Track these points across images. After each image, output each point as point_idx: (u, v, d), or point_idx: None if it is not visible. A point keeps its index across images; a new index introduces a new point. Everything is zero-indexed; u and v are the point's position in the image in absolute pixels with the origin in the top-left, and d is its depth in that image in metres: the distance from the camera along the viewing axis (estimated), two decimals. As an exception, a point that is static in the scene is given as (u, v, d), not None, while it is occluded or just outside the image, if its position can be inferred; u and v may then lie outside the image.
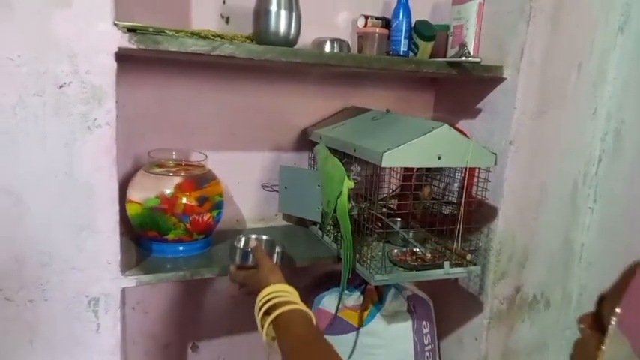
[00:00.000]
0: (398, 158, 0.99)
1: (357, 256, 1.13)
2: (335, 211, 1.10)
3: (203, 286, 1.41)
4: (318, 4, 1.37)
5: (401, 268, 1.12)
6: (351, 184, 1.10)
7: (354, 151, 1.10)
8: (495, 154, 1.09)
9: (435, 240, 1.22)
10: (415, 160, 1.02)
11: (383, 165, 0.98)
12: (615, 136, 1.44)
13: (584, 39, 1.36)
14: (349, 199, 1.11)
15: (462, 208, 1.07)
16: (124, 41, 0.90)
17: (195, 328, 1.44)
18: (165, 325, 1.39)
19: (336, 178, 1.09)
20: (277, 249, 1.11)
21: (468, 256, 1.11)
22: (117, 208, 0.97)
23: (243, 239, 1.14)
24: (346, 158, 1.18)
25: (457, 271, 1.11)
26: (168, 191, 1.11)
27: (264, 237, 1.15)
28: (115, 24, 0.89)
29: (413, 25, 1.37)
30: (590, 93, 1.41)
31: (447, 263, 1.10)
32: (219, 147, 1.34)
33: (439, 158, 1.02)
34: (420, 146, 0.99)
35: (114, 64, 0.90)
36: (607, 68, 1.42)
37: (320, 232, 1.31)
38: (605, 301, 0.47)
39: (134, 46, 0.91)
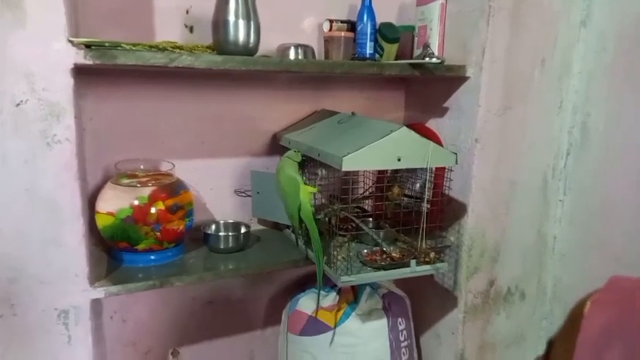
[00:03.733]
0: (357, 161, 1.01)
1: (326, 258, 1.15)
2: (300, 221, 1.13)
3: (180, 293, 1.43)
4: (285, 9, 1.38)
5: (370, 268, 1.14)
6: (315, 189, 1.12)
7: (318, 155, 1.12)
8: (456, 153, 1.11)
9: (403, 239, 1.24)
10: (375, 163, 1.04)
11: (343, 169, 1.00)
12: (582, 129, 1.46)
13: (547, 35, 1.38)
14: (313, 204, 1.13)
15: (424, 208, 1.09)
16: (80, 57, 0.91)
17: (175, 334, 1.46)
18: (144, 332, 1.41)
19: (292, 193, 1.13)
20: (243, 229, 1.33)
21: (432, 254, 1.12)
22: (81, 221, 0.98)
23: (213, 226, 1.36)
24: (312, 162, 1.20)
25: (424, 269, 1.13)
26: (136, 202, 1.13)
27: (230, 221, 1.38)
28: (70, 41, 0.91)
29: (377, 27, 1.38)
30: (556, 87, 1.43)
31: (413, 262, 1.12)
32: (190, 155, 1.36)
33: (399, 160, 1.03)
34: (378, 149, 1.01)
35: (70, 81, 0.92)
36: (571, 62, 1.44)
37: (293, 236, 1.33)
38: (556, 348, 0.48)
39: (90, 62, 0.92)
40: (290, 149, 1.28)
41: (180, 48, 1.05)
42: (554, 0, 1.36)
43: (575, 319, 0.47)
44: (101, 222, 1.14)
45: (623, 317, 0.45)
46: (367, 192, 1.42)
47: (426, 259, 1.16)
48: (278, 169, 1.17)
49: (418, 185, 1.30)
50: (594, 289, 1.50)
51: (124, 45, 0.97)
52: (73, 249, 0.98)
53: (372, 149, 1.01)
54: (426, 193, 1.09)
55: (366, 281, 1.13)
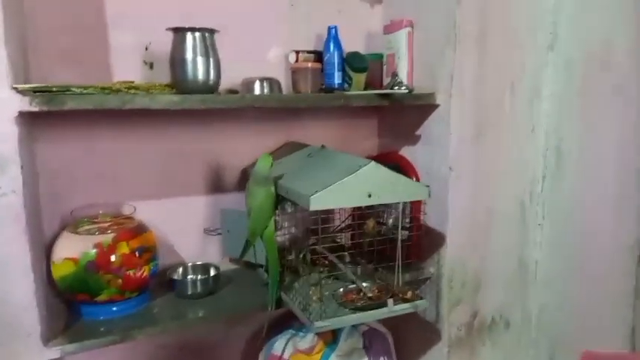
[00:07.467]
0: (326, 200, 0.96)
1: (297, 302, 1.09)
2: (261, 238, 1.12)
3: (150, 341, 1.35)
4: (251, 41, 1.35)
5: (346, 310, 1.08)
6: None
7: (287, 192, 1.08)
8: (428, 186, 1.07)
9: (378, 277, 1.19)
10: (344, 201, 1.00)
11: (311, 208, 0.95)
12: (556, 152, 1.44)
13: (514, 59, 1.37)
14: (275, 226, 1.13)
15: (398, 244, 1.04)
16: (25, 104, 0.86)
17: (146, 385, 1.37)
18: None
19: (266, 212, 1.09)
20: (212, 272, 1.28)
21: (409, 294, 1.07)
22: (32, 277, 0.91)
23: (180, 269, 1.30)
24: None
25: (402, 308, 1.07)
26: (93, 250, 1.06)
27: (199, 263, 1.32)
28: (14, 88, 0.86)
29: (344, 56, 1.36)
30: (527, 111, 1.42)
31: (390, 301, 1.06)
32: (156, 195, 1.30)
33: (369, 196, 0.99)
34: (347, 186, 0.97)
35: (15, 130, 0.86)
36: (541, 86, 1.43)
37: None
38: None
39: (36, 109, 0.87)
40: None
41: (136, 88, 1.01)
42: (519, 25, 1.36)
43: None
44: (57, 273, 1.07)
45: None
46: (342, 225, 1.38)
47: (405, 297, 1.11)
48: (263, 188, 1.11)
49: (392, 219, 1.26)
50: (577, 315, 1.44)
51: (73, 89, 0.92)
52: (24, 307, 0.91)
53: (340, 186, 0.96)
54: (400, 230, 1.04)
55: (342, 325, 1.07)
